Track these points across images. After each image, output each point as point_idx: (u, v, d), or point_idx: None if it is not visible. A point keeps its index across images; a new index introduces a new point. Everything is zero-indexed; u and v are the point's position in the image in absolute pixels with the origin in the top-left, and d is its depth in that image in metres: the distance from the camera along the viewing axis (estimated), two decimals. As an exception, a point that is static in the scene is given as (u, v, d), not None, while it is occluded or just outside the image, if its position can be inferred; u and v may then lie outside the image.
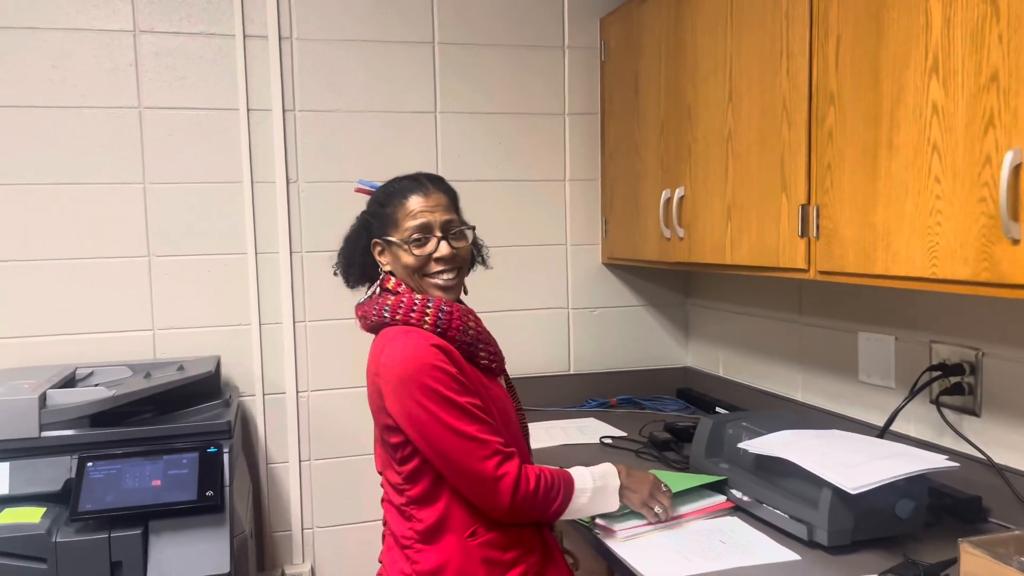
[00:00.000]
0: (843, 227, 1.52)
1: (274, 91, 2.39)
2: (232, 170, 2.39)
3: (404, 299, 1.45)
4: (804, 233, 1.63)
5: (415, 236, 1.47)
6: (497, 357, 1.53)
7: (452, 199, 1.54)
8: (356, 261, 1.58)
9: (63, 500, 1.80)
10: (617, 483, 1.52)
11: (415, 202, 1.48)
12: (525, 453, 1.56)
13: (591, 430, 2.34)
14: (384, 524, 1.56)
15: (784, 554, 1.46)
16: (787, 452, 1.54)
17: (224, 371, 2.38)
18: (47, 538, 1.70)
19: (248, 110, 2.38)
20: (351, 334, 2.47)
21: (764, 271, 1.79)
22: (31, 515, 1.75)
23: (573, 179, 2.68)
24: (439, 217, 1.49)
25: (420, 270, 1.48)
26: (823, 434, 1.67)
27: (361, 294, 1.60)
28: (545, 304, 2.68)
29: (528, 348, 2.66)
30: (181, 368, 2.10)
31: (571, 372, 2.71)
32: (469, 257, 1.57)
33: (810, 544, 1.48)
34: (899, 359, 1.86)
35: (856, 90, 1.48)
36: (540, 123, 2.64)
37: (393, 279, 1.52)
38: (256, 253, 2.41)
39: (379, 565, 1.55)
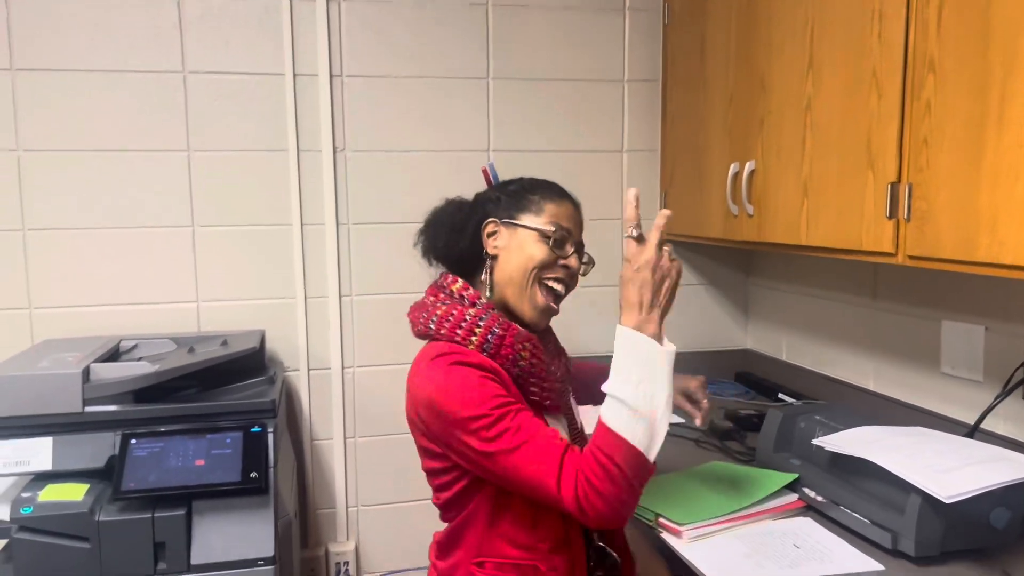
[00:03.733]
0: (939, 209, 1.38)
1: (321, 55, 2.30)
2: (277, 138, 2.31)
3: (455, 311, 1.28)
4: (893, 214, 1.49)
5: (558, 232, 1.31)
6: (553, 395, 1.32)
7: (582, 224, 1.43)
8: (463, 243, 1.36)
9: (106, 476, 1.76)
10: (649, 342, 1.18)
11: (565, 209, 1.36)
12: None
13: (646, 415, 2.24)
14: None
15: (866, 563, 1.35)
16: (871, 453, 1.42)
17: (269, 345, 2.32)
18: (90, 517, 1.67)
19: (294, 75, 2.29)
20: (398, 309, 2.39)
21: (844, 254, 1.65)
22: (74, 492, 1.71)
23: (631, 150, 2.55)
24: (578, 234, 1.38)
25: (544, 267, 1.32)
26: (907, 432, 1.54)
27: (434, 274, 1.43)
28: (599, 281, 2.55)
29: (581, 328, 2.56)
30: (225, 343, 2.04)
31: (624, 352, 2.60)
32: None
33: (894, 553, 1.37)
34: (989, 351, 1.72)
35: (961, 57, 1.33)
36: (597, 90, 2.51)
37: (460, 282, 1.34)
38: (302, 224, 2.34)
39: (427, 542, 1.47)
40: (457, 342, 1.26)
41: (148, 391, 1.83)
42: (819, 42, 1.70)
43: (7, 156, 2.16)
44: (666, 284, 1.24)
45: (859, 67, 1.57)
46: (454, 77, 2.40)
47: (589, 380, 1.60)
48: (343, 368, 2.40)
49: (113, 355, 2.02)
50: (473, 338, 1.25)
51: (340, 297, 2.38)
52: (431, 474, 1.34)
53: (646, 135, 2.55)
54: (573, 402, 1.45)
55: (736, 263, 2.66)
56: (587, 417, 1.43)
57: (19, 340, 2.19)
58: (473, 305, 1.30)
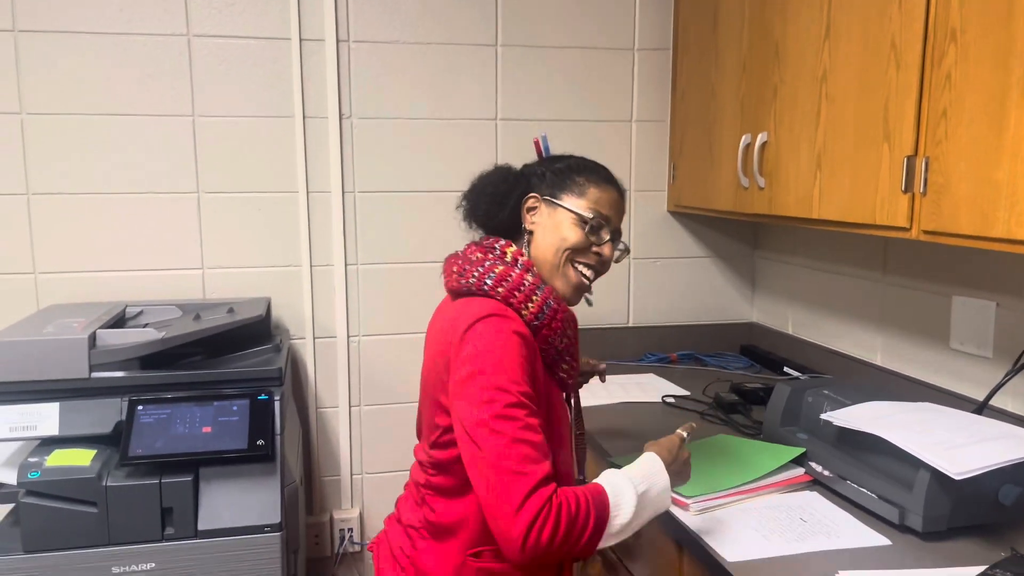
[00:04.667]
0: (957, 183, 1.36)
1: (327, 20, 2.26)
2: (283, 104, 2.28)
3: (513, 274, 1.26)
4: (908, 188, 1.47)
5: (596, 219, 1.31)
6: (575, 372, 1.37)
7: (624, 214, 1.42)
8: (504, 213, 1.34)
9: (113, 442, 1.77)
10: (666, 480, 1.24)
11: (610, 195, 1.34)
12: (570, 481, 1.36)
13: (651, 387, 2.24)
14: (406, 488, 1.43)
15: (872, 537, 1.35)
16: (880, 428, 1.42)
17: (274, 312, 2.32)
18: (98, 482, 1.67)
19: (300, 40, 2.25)
20: (404, 278, 2.38)
21: (857, 228, 1.63)
22: (82, 457, 1.71)
23: (640, 120, 2.52)
24: (616, 222, 1.36)
25: (576, 251, 1.31)
26: (916, 408, 1.54)
27: (470, 236, 1.40)
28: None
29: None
30: (231, 310, 2.04)
31: (630, 325, 2.60)
32: None
33: (901, 528, 1.37)
34: (999, 328, 1.71)
35: (984, 27, 1.30)
36: (606, 59, 2.47)
37: (514, 247, 1.32)
38: (308, 192, 2.32)
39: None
40: (512, 305, 1.24)
41: (154, 357, 1.82)
42: (837, 10, 1.66)
43: (10, 119, 2.13)
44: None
45: (878, 37, 1.54)
46: (462, 44, 2.36)
47: None
48: (348, 337, 2.40)
49: (119, 321, 2.01)
50: (530, 305, 1.25)
51: (346, 265, 2.36)
52: (444, 431, 1.26)
53: (655, 105, 2.52)
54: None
55: (743, 235, 2.64)
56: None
57: (25, 305, 2.18)
58: (529, 271, 1.29)
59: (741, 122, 2.06)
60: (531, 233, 1.35)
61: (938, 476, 1.31)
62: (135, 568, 1.70)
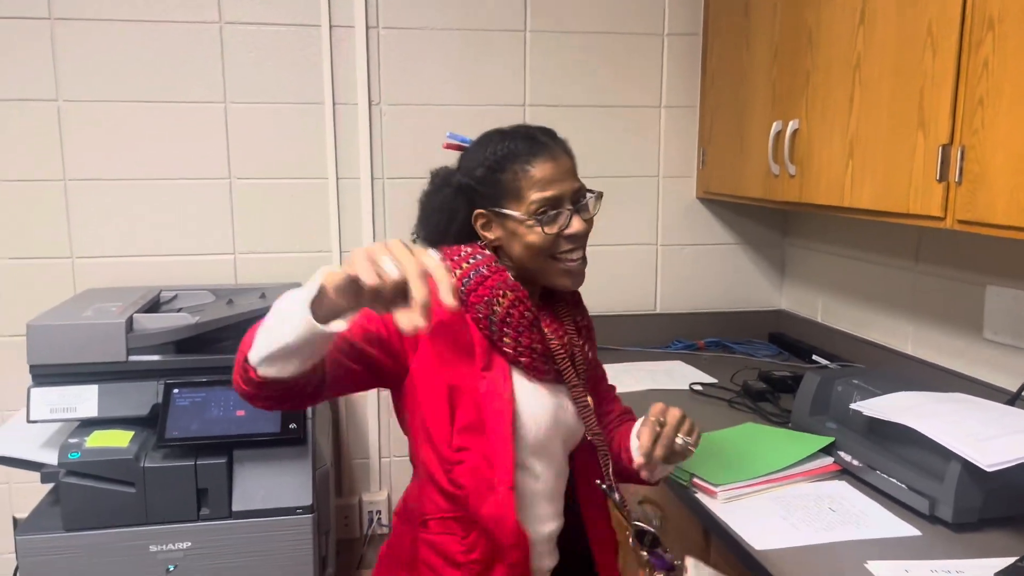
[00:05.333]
0: (994, 172, 1.35)
1: (357, 5, 2.27)
2: (313, 90, 2.29)
3: (465, 249, 1.24)
4: (943, 177, 1.45)
5: (551, 212, 1.19)
6: (533, 356, 1.22)
7: (574, 161, 1.26)
8: (450, 237, 1.28)
9: (149, 424, 1.81)
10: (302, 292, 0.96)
11: (543, 169, 1.19)
12: (507, 466, 1.20)
13: (679, 374, 2.24)
14: None
15: (902, 528, 1.35)
16: (911, 419, 1.41)
17: (304, 298, 2.34)
18: (136, 463, 1.71)
19: (331, 26, 2.27)
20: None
21: (890, 217, 1.62)
22: (120, 439, 1.76)
23: (669, 106, 2.50)
24: (568, 186, 1.21)
25: (548, 251, 1.21)
26: (948, 398, 1.53)
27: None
28: (633, 239, 2.55)
29: (613, 285, 2.55)
30: (263, 296, 2.07)
31: (657, 311, 2.59)
32: None
33: (931, 519, 1.37)
34: (1034, 318, 1.69)
35: (1022, 15, 1.28)
36: (636, 44, 2.45)
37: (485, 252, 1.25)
38: (337, 178, 2.33)
39: None
40: (454, 272, 1.21)
41: (189, 342, 1.86)
42: (872, -4, 1.64)
43: (47, 106, 2.17)
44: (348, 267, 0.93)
45: (914, 22, 1.52)
46: (491, 29, 2.36)
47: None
48: (377, 322, 2.42)
49: (154, 306, 2.05)
50: (458, 271, 1.21)
51: (375, 251, 2.38)
52: None
53: (685, 91, 2.50)
54: (587, 392, 1.30)
55: (773, 222, 2.63)
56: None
57: (62, 288, 2.23)
58: (480, 251, 1.24)
59: (772, 108, 2.04)
60: (498, 247, 1.26)
61: (969, 467, 1.31)
62: (171, 547, 1.75)
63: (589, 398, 1.29)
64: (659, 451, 1.20)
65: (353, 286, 0.90)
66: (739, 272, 2.63)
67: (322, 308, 0.94)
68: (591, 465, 1.32)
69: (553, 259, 1.22)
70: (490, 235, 1.25)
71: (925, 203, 1.50)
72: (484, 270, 1.21)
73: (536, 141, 1.22)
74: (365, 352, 1.16)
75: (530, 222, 1.19)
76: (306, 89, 2.29)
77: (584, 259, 1.25)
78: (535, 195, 1.19)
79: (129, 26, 2.17)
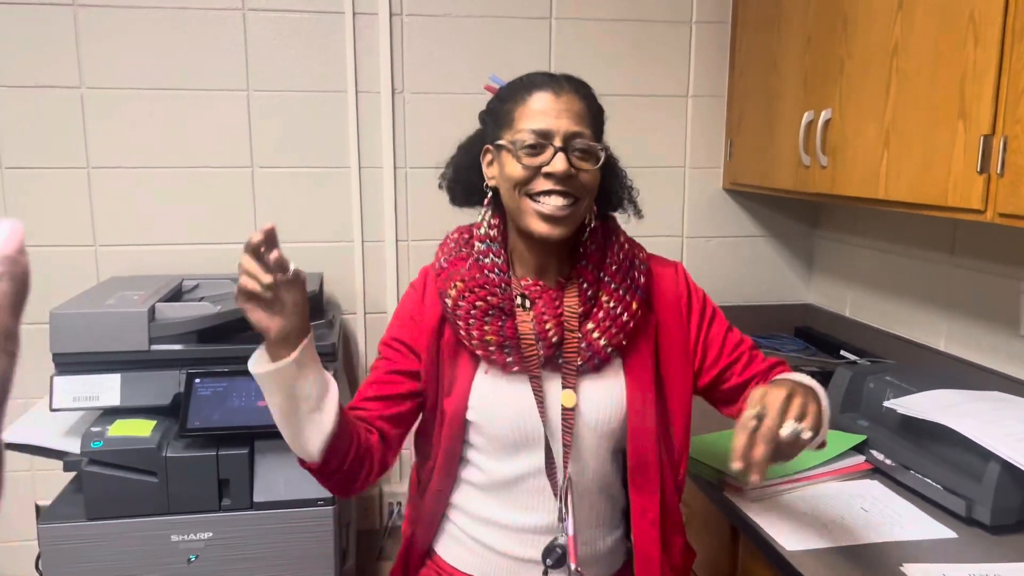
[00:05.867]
0: (1038, 164, 1.30)
1: (381, -7, 2.24)
2: (336, 78, 2.27)
3: (455, 233, 1.29)
4: (984, 169, 1.41)
5: (529, 142, 1.13)
6: (489, 347, 1.17)
7: (591, 112, 1.18)
8: (463, 176, 1.27)
9: (171, 413, 1.80)
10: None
11: (540, 100, 1.14)
12: (450, 468, 1.25)
13: (704, 368, 2.20)
14: None
15: (937, 529, 1.31)
16: (948, 418, 1.37)
17: (326, 288, 2.33)
18: (158, 452, 1.70)
19: (354, 13, 2.24)
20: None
21: (926, 210, 1.57)
22: (142, 428, 1.75)
23: (696, 95, 2.46)
24: (564, 125, 1.13)
25: (524, 186, 1.14)
26: (985, 396, 1.49)
27: (472, 216, 1.33)
28: (658, 231, 2.51)
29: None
30: (285, 285, 2.05)
31: (682, 304, 2.55)
32: (594, 189, 1.18)
33: (967, 521, 1.33)
34: (1075, 315, 1.64)
35: (1074, -1, 1.24)
36: (663, 32, 2.41)
37: (490, 211, 1.23)
38: (360, 167, 2.31)
39: None
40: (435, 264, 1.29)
41: (210, 331, 1.84)
42: (911, -18, 1.59)
43: (70, 93, 2.16)
44: None
45: (955, 9, 1.47)
46: (516, 16, 2.33)
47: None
48: (399, 312, 2.40)
49: (176, 295, 2.04)
50: (435, 262, 1.27)
51: (397, 241, 2.36)
52: None
53: (713, 80, 2.45)
54: (595, 377, 1.21)
55: (801, 214, 2.58)
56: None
57: (86, 277, 2.23)
58: (457, 234, 1.29)
59: (804, 98, 1.99)
60: (495, 190, 1.22)
61: (1008, 468, 1.27)
62: (193, 537, 1.74)
63: (566, 394, 1.18)
64: (759, 452, 0.99)
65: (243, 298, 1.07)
66: (766, 265, 2.59)
67: (269, 347, 1.10)
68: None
69: (528, 198, 1.15)
70: (490, 173, 1.22)
71: (965, 195, 1.45)
72: (443, 262, 1.24)
73: (551, 77, 1.18)
74: (402, 391, 1.23)
75: (516, 151, 1.14)
76: (329, 77, 2.27)
77: (572, 212, 1.15)
78: (525, 123, 1.14)
79: (152, 13, 2.16)
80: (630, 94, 2.41)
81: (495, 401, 1.19)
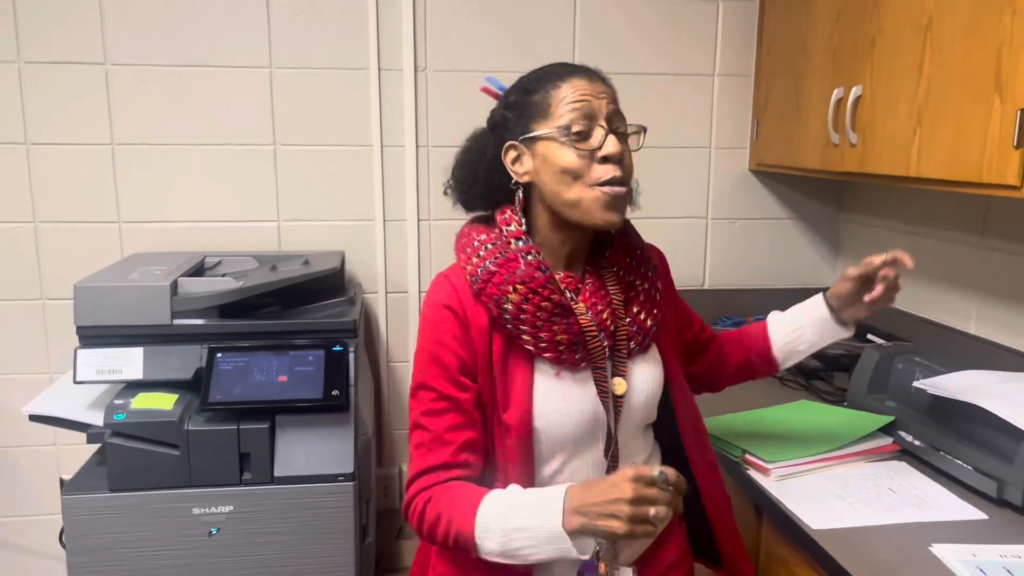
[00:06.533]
0: (1078, 137, 1.26)
1: (404, -30, 2.22)
2: (359, 56, 2.26)
3: (476, 230, 1.18)
4: (1021, 143, 1.37)
5: (578, 127, 1.09)
6: (557, 347, 1.12)
7: (614, 92, 1.16)
8: (480, 177, 1.21)
9: (193, 387, 1.81)
10: (555, 523, 1.00)
11: (575, 86, 1.11)
12: (527, 481, 1.13)
13: (728, 350, 2.18)
14: None
15: (967, 511, 1.29)
16: (978, 398, 1.35)
17: (348, 267, 2.33)
18: (179, 426, 1.71)
19: (377, -10, 2.23)
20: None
21: (959, 187, 1.53)
22: (164, 401, 1.76)
23: (723, 74, 2.42)
24: (606, 107, 1.11)
25: (581, 173, 1.10)
26: (1016, 378, 1.46)
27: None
28: (682, 212, 2.48)
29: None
30: (307, 263, 2.05)
31: (705, 287, 2.53)
32: (633, 171, 1.16)
33: (998, 502, 1.30)
34: (1112, 296, 1.60)
35: (1119, -34, 1.19)
36: (688, 9, 2.37)
37: (508, 212, 1.17)
38: (382, 146, 2.30)
39: None
40: (462, 266, 1.17)
41: (232, 307, 1.85)
42: (946, -47, 1.55)
43: (95, 70, 2.17)
44: (613, 521, 0.97)
45: (992, -20, 1.43)
46: (540, -6, 2.30)
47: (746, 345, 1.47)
48: (420, 292, 2.40)
49: (198, 270, 2.04)
50: (469, 267, 1.15)
51: (419, 221, 2.35)
52: None
53: (739, 59, 2.41)
54: (641, 360, 1.21)
55: (827, 196, 2.53)
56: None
57: (110, 252, 2.24)
58: (496, 230, 1.17)
59: (833, 75, 1.95)
60: (530, 185, 1.16)
61: (1042, 449, 1.24)
62: (214, 510, 1.75)
63: (618, 381, 1.16)
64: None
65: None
66: (791, 247, 2.55)
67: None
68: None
69: (588, 188, 1.10)
70: (520, 169, 1.15)
71: (1000, 171, 1.41)
72: (491, 264, 1.13)
73: (566, 69, 1.14)
74: (480, 430, 1.14)
75: (562, 139, 1.10)
76: (351, 54, 2.26)
77: (624, 192, 1.12)
78: (566, 108, 1.10)
79: (175, -11, 2.16)
80: (656, 72, 2.38)
81: (563, 403, 1.13)
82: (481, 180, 1.20)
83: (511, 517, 1.02)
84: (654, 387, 1.21)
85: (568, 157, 1.10)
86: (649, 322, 1.20)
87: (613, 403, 1.16)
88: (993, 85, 1.43)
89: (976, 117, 1.47)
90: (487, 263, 1.13)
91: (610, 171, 1.09)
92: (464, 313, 1.13)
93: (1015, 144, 1.37)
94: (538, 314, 1.11)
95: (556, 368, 1.14)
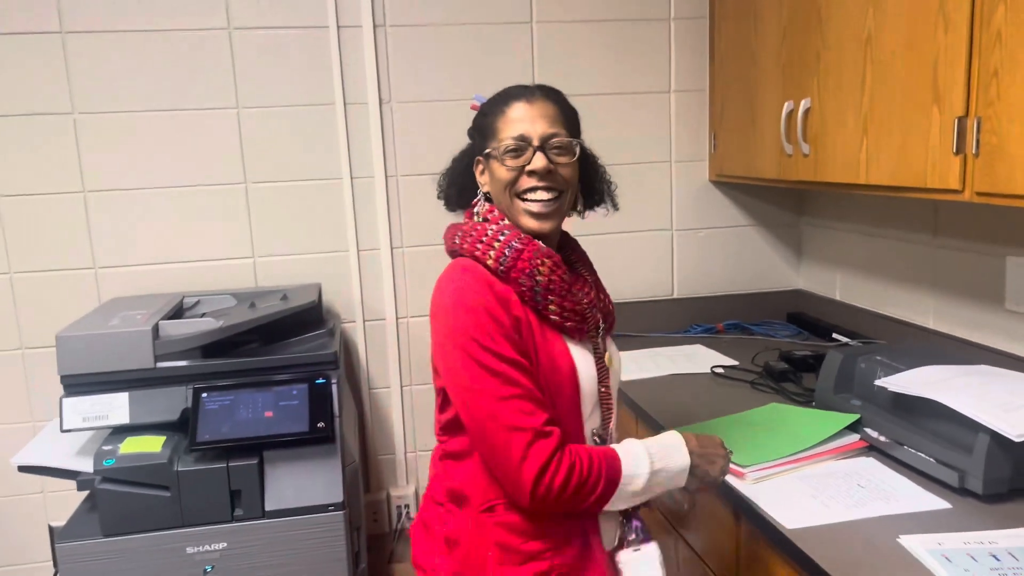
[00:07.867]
0: (1011, 143, 1.34)
1: (363, 4, 2.28)
2: (324, 91, 2.31)
3: (479, 227, 1.28)
4: (960, 150, 1.45)
5: (511, 147, 1.25)
6: (575, 317, 1.27)
7: (565, 114, 1.30)
8: (456, 181, 1.39)
9: (180, 428, 1.83)
10: (686, 460, 1.24)
11: (516, 109, 1.27)
12: (578, 434, 1.28)
13: (700, 358, 2.25)
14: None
15: (932, 501, 1.36)
16: (937, 393, 1.42)
17: (325, 298, 2.37)
18: (169, 467, 1.74)
19: (338, 27, 2.28)
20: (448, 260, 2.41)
21: (906, 192, 1.62)
22: (152, 444, 1.78)
23: (679, 90, 2.50)
24: (540, 128, 1.25)
25: (512, 187, 1.26)
26: (973, 371, 1.53)
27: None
28: (647, 225, 2.55)
29: (630, 272, 2.56)
30: (284, 297, 2.09)
31: (675, 296, 2.60)
32: (575, 182, 1.31)
33: (960, 491, 1.37)
34: (1056, 287, 1.68)
35: (1036, -17, 1.28)
36: (643, 30, 2.45)
37: (487, 204, 1.33)
38: (352, 177, 2.35)
39: None
40: (478, 257, 1.25)
41: (214, 346, 1.88)
42: (881, -28, 1.64)
43: (63, 119, 2.19)
44: (714, 466, 1.28)
45: (924, -3, 1.52)
46: (497, 23, 2.37)
47: None
48: (397, 318, 2.44)
49: (178, 312, 2.07)
50: (492, 252, 1.24)
51: (392, 249, 2.40)
52: (438, 392, 1.31)
53: (694, 75, 2.50)
54: (610, 340, 1.38)
55: (787, 203, 2.62)
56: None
57: (87, 299, 2.26)
58: (488, 220, 1.30)
59: (783, 89, 2.04)
60: (487, 195, 1.33)
61: (998, 438, 1.31)
62: (208, 548, 1.77)
63: (611, 355, 1.35)
64: None
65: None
66: (755, 253, 2.64)
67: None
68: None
69: (518, 198, 1.27)
70: (483, 180, 1.33)
71: (942, 177, 1.50)
72: (516, 243, 1.24)
73: (523, 88, 1.30)
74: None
75: (501, 156, 1.26)
76: (317, 90, 2.30)
77: (557, 207, 1.27)
78: (505, 132, 1.27)
79: (139, 36, 2.19)
80: (614, 92, 2.46)
81: (587, 368, 1.29)
82: (457, 182, 1.39)
83: (655, 460, 1.21)
84: (619, 366, 1.41)
85: (502, 172, 1.27)
86: (612, 307, 1.41)
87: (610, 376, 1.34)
88: (931, 96, 1.51)
89: (917, 126, 1.55)
90: (513, 243, 1.25)
91: (531, 183, 1.26)
92: (504, 298, 1.22)
93: (954, 151, 1.46)
94: (562, 285, 1.26)
95: (574, 337, 1.29)
